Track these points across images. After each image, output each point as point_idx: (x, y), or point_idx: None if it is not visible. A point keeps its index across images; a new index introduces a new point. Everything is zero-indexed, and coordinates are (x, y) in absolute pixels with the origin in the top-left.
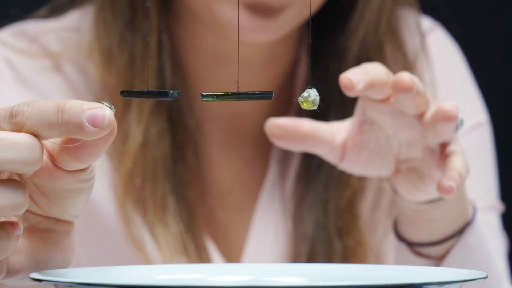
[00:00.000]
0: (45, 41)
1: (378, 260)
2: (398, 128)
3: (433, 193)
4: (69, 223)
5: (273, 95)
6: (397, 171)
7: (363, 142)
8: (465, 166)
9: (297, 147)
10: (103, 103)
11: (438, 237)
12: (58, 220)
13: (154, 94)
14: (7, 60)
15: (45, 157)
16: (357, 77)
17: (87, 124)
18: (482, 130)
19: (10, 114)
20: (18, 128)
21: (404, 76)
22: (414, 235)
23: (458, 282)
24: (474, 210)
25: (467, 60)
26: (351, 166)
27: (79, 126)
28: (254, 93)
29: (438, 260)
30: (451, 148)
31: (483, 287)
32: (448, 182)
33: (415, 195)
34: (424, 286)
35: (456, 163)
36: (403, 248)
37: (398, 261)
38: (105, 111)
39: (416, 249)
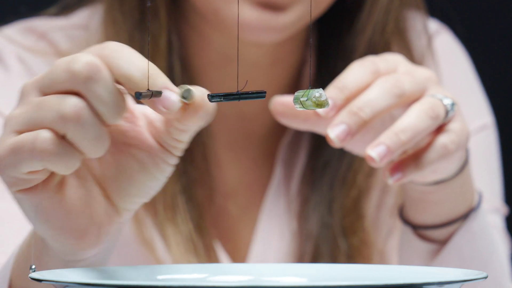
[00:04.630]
0: (54, 38)
1: (383, 260)
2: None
3: (441, 173)
4: (118, 216)
5: (265, 95)
6: (404, 152)
7: (369, 124)
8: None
9: (301, 126)
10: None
11: (442, 219)
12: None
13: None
14: (18, 56)
15: (141, 122)
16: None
17: (159, 104)
18: (487, 132)
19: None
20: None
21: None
22: (419, 218)
23: (458, 282)
24: (480, 198)
25: (473, 62)
26: (357, 146)
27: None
28: (252, 93)
29: (442, 244)
30: (449, 126)
31: (485, 282)
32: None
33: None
34: (424, 286)
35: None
36: (408, 232)
37: (402, 246)
38: (172, 97)
39: (421, 232)
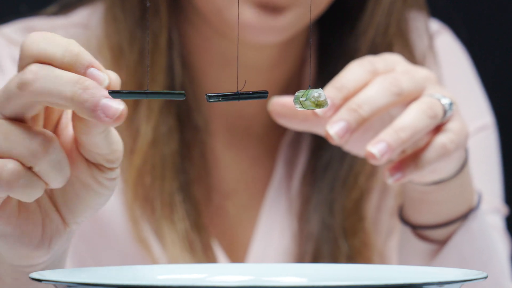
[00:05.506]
0: None
1: (383, 261)
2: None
3: (440, 172)
4: (67, 229)
5: (267, 95)
6: (403, 151)
7: (366, 124)
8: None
9: (300, 126)
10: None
11: (442, 219)
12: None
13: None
14: (13, 58)
15: (70, 142)
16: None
17: (100, 112)
18: (488, 132)
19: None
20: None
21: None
22: (419, 218)
23: (458, 282)
24: (479, 198)
25: (473, 63)
26: (357, 147)
27: (91, 110)
28: (253, 93)
29: (441, 244)
30: (447, 125)
31: (485, 282)
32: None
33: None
34: (424, 286)
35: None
36: (408, 232)
37: (402, 246)
38: (119, 105)
39: (420, 232)
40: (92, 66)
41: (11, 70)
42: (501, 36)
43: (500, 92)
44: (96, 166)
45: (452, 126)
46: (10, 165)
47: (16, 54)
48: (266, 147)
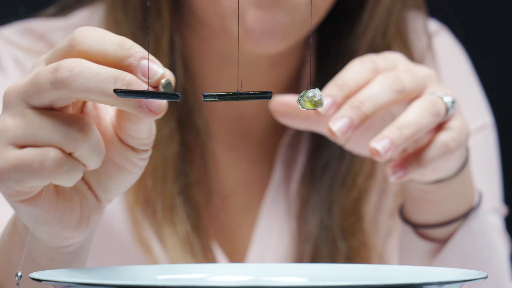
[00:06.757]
0: (53, 38)
1: (382, 262)
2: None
3: (441, 171)
4: (101, 206)
5: (272, 95)
6: (404, 150)
7: (369, 121)
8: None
9: (302, 125)
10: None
11: (443, 218)
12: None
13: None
14: (14, 58)
15: (110, 128)
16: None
17: (144, 107)
18: (487, 132)
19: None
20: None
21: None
22: (420, 217)
23: (458, 282)
24: (480, 197)
25: (472, 62)
26: (358, 146)
27: (137, 106)
28: (254, 93)
29: (442, 243)
30: (449, 123)
31: (486, 282)
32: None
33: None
34: (424, 286)
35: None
36: (408, 231)
37: (403, 245)
38: (161, 102)
39: (421, 231)
40: (145, 58)
41: (12, 69)
42: (500, 36)
43: (498, 92)
44: (131, 148)
45: (454, 124)
46: (51, 153)
47: (18, 54)
48: (265, 149)
